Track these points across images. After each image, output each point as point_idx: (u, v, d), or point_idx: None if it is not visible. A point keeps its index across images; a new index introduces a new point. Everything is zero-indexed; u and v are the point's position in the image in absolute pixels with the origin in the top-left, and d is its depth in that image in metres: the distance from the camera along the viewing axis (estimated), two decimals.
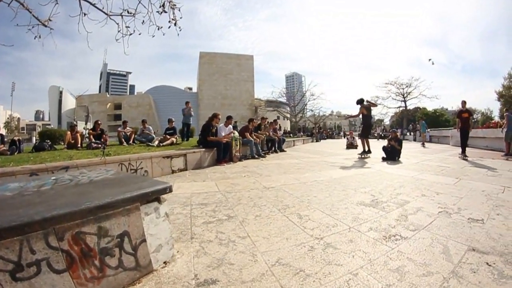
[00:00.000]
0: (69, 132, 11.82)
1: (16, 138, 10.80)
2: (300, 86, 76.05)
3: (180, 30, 11.67)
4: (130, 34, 11.61)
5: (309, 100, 59.02)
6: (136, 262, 2.44)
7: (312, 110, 61.71)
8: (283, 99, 64.10)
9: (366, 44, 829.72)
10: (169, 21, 11.42)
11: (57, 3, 11.05)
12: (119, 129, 13.73)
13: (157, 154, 8.25)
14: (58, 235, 2.01)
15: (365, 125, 12.92)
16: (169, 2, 11.19)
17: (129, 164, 7.34)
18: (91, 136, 11.72)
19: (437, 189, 5.51)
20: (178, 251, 2.94)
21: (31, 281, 1.88)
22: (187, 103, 16.62)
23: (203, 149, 9.63)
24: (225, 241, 3.21)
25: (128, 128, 13.90)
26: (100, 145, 10.48)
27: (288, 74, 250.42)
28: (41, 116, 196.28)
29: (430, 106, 61.30)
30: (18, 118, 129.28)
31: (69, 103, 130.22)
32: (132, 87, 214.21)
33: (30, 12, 11.53)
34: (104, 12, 11.41)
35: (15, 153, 9.53)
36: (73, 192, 2.64)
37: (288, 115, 65.34)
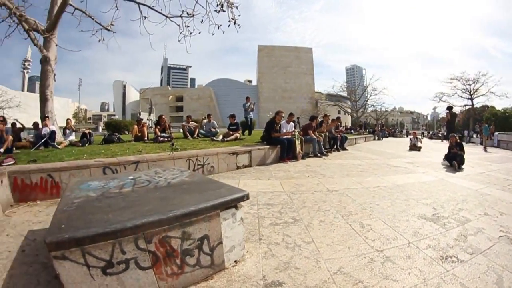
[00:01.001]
0: (136, 126, 12.46)
1: (86, 131, 11.68)
2: (361, 80, 73.86)
3: (240, 28, 12.05)
4: (190, 34, 12.18)
5: (370, 95, 56.75)
6: (211, 261, 2.67)
7: (373, 106, 59.75)
8: (344, 94, 62.14)
9: (428, 32, 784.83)
10: (229, 21, 11.85)
11: (117, 9, 11.88)
12: (184, 123, 14.16)
13: (223, 150, 8.60)
14: (147, 239, 2.26)
15: (447, 127, 15.31)
16: (227, 2, 11.58)
17: (196, 160, 7.60)
18: (157, 130, 12.16)
19: (502, 208, 5.17)
20: (247, 251, 3.11)
21: (119, 276, 2.17)
22: (247, 98, 16.69)
23: (267, 146, 9.74)
24: (291, 245, 3.34)
25: (191, 122, 14.28)
26: (166, 139, 10.97)
27: (348, 67, 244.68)
28: (106, 107, 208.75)
29: (499, 104, 56.06)
30: (85, 110, 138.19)
31: (132, 95, 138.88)
32: (192, 80, 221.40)
33: (93, 19, 12.57)
34: (164, 15, 12.13)
35: (86, 145, 10.27)
36: (155, 196, 2.91)
37: (349, 110, 63.03)
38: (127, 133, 22.03)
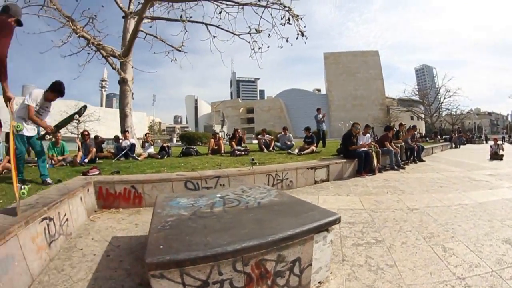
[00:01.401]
0: (212, 140, 13.11)
1: (165, 144, 12.80)
2: (432, 81, 70.33)
3: (307, 39, 12.30)
4: (259, 48, 12.62)
5: (444, 98, 53.58)
6: (299, 282, 2.76)
7: (448, 109, 56.13)
8: (416, 97, 58.74)
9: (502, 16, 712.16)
10: (297, 33, 12.10)
11: (186, 31, 12.89)
12: (259, 136, 14.59)
13: (302, 165, 8.71)
14: (244, 262, 2.41)
15: None
16: (293, 16, 11.87)
17: (276, 175, 7.77)
18: (234, 144, 12.61)
19: None
20: (331, 272, 3.17)
21: None
22: (318, 109, 16.76)
23: (344, 160, 9.80)
24: (374, 267, 3.36)
25: (267, 135, 14.61)
26: (243, 153, 11.43)
27: (418, 67, 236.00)
28: (179, 120, 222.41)
29: None
30: (159, 122, 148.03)
31: (203, 108, 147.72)
32: (261, 91, 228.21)
33: (164, 42, 13.74)
34: (232, 33, 12.89)
35: (165, 157, 11.13)
36: (249, 218, 3.07)
37: (423, 115, 59.79)
38: (200, 144, 23.23)
